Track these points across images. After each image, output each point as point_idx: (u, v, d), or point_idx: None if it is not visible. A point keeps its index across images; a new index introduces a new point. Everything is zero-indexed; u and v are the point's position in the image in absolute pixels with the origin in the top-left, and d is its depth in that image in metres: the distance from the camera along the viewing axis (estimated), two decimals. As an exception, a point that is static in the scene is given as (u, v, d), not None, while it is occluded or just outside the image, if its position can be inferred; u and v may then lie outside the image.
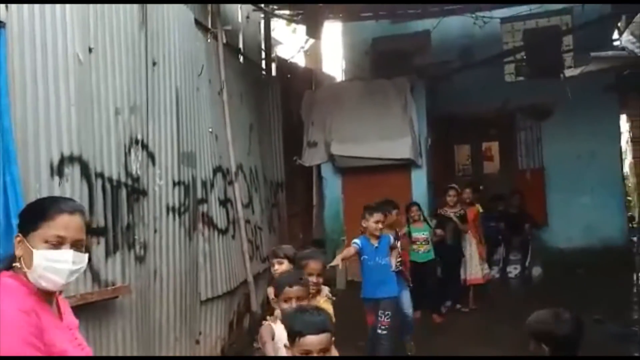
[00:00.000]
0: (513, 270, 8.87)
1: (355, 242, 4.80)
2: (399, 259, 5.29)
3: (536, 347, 2.44)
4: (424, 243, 6.63)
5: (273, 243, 7.46)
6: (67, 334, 1.74)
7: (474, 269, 7.14)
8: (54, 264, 1.68)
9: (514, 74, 9.89)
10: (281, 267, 3.65)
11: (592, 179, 9.28)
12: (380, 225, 4.76)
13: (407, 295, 5.46)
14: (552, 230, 9.40)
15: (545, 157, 9.73)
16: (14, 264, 1.71)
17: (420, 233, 6.64)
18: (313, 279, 3.31)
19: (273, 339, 2.78)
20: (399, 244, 5.36)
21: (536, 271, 8.59)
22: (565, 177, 9.37)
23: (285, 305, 2.78)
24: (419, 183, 8.37)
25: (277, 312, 3.07)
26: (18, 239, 1.70)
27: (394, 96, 8.26)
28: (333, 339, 2.17)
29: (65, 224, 1.71)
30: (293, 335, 2.16)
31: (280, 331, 2.69)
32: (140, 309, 4.08)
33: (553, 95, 8.71)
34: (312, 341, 2.11)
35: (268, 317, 3.06)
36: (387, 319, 4.69)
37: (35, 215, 1.72)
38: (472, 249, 7.12)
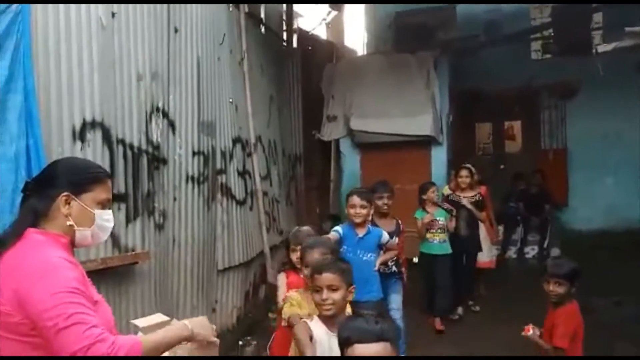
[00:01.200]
0: (531, 251, 8.81)
1: (335, 230, 4.04)
2: (394, 259, 4.58)
3: (565, 286, 3.11)
4: (439, 231, 5.57)
5: (290, 216, 7.48)
6: (92, 286, 1.78)
7: (484, 252, 6.58)
8: (106, 223, 1.82)
9: (541, 51, 9.67)
10: None
11: (616, 161, 9.11)
12: (358, 211, 3.93)
13: (398, 300, 4.74)
14: (572, 211, 9.29)
15: (569, 137, 9.56)
16: (38, 221, 1.70)
17: (436, 218, 5.61)
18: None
19: (311, 339, 2.40)
20: (396, 241, 4.46)
21: (554, 252, 8.49)
22: (588, 157, 9.22)
23: (317, 297, 2.41)
24: (438, 161, 8.27)
25: (293, 309, 2.85)
26: (65, 198, 1.72)
27: (416, 71, 8.11)
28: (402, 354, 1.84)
29: (110, 187, 1.86)
30: (342, 345, 1.83)
31: (319, 332, 2.41)
32: (159, 275, 4.13)
33: (580, 74, 8.53)
34: (362, 351, 1.73)
35: (304, 318, 2.65)
36: None
37: (88, 177, 1.78)
38: (482, 233, 6.49)
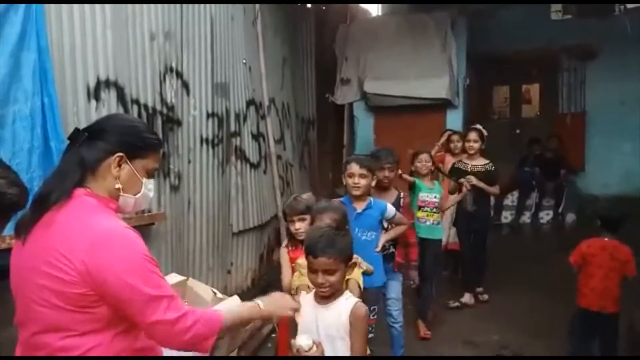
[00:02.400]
0: (545, 216, 8.75)
1: None
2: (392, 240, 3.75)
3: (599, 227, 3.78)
4: (434, 211, 4.68)
5: (303, 180, 7.45)
6: None
7: (454, 231, 5.64)
8: (149, 192, 1.75)
9: (561, 11, 9.35)
10: (303, 224, 3.04)
11: (635, 126, 8.90)
12: (357, 181, 3.38)
13: (397, 288, 3.92)
14: (589, 176, 9.15)
15: (587, 101, 9.34)
16: (84, 176, 1.61)
17: (432, 194, 4.68)
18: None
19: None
20: (399, 216, 3.68)
21: (570, 218, 8.44)
22: (607, 122, 9.02)
23: (312, 277, 2.21)
24: (454, 125, 8.08)
25: (303, 279, 2.63)
26: (118, 159, 1.62)
27: (433, 32, 7.89)
28: None
29: (160, 156, 1.79)
30: None
31: (304, 310, 2.15)
32: (175, 236, 4.15)
33: (601, 36, 8.27)
34: None
35: (300, 290, 2.52)
36: (374, 316, 3.40)
37: (145, 143, 1.69)
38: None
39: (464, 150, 5.53)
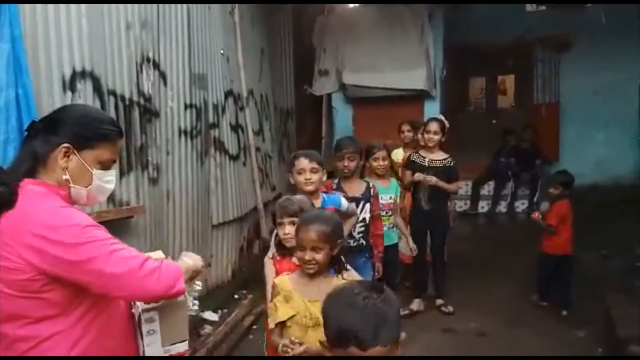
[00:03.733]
0: (521, 206, 8.91)
1: None
2: (361, 230, 3.63)
3: (559, 189, 4.79)
4: (389, 214, 4.21)
5: (282, 172, 7.43)
6: None
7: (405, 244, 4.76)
8: (106, 184, 1.69)
9: (536, 2, 9.51)
10: (294, 229, 2.45)
11: (607, 115, 9.14)
12: (309, 177, 3.11)
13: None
14: (563, 165, 9.27)
15: (561, 91, 9.52)
16: (36, 167, 1.60)
17: (388, 195, 4.19)
18: (315, 255, 2.16)
19: None
20: (351, 207, 3.43)
21: (544, 206, 8.58)
22: (580, 112, 9.22)
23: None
24: (431, 115, 8.20)
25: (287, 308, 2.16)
26: (65, 150, 1.59)
27: (410, 23, 7.93)
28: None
29: (120, 147, 1.74)
30: None
31: None
32: (154, 229, 4.10)
33: (575, 27, 8.42)
34: None
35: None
36: None
37: (96, 133, 1.64)
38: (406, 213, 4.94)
39: (407, 144, 5.40)
